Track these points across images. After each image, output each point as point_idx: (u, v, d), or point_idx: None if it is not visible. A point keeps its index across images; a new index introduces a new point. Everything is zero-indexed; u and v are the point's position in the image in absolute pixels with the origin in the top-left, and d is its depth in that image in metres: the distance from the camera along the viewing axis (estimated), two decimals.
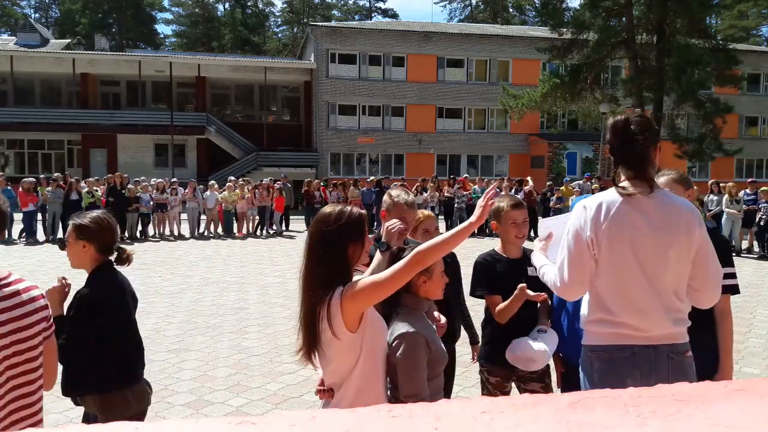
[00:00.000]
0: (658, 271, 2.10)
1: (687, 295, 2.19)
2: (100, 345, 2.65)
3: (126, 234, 15.22)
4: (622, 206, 2.12)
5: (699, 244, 2.14)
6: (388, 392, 2.32)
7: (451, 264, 3.16)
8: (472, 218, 2.02)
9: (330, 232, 2.03)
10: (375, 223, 16.80)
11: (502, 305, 3.00)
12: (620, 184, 2.17)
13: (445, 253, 2.02)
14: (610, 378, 2.08)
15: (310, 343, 2.05)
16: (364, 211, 2.19)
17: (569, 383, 2.98)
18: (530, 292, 2.88)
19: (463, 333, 3.48)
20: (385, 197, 2.99)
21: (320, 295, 1.99)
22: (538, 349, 2.89)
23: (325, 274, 2.01)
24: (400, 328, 2.20)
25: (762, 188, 13.19)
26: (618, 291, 2.12)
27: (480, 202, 2.09)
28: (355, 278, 2.08)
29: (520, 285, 2.91)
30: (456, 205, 16.85)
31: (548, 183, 17.66)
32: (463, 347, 3.43)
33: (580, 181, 17.52)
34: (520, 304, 2.93)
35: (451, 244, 1.97)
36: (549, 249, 2.66)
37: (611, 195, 2.16)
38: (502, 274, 3.08)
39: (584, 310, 2.25)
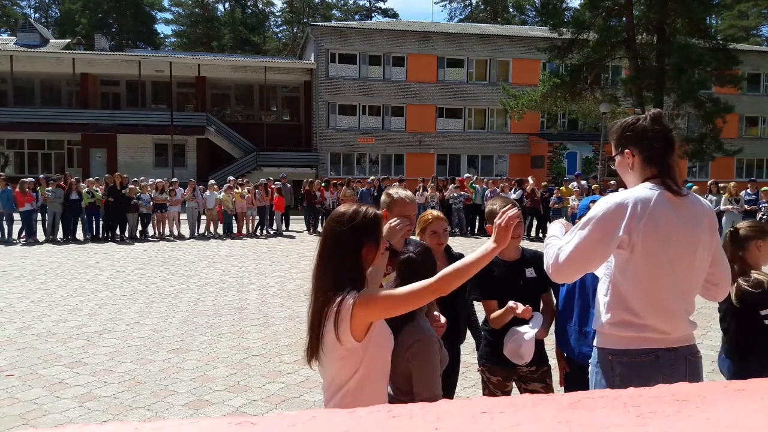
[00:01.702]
0: (685, 271, 2.10)
1: (703, 292, 2.21)
2: None
3: (126, 234, 15.23)
4: (659, 204, 2.06)
5: (716, 242, 2.19)
6: (390, 392, 2.32)
7: None
8: (491, 243, 1.94)
9: (344, 232, 1.96)
10: None
11: (495, 314, 2.99)
12: (652, 183, 2.12)
13: (469, 277, 1.95)
14: (633, 382, 2.04)
15: (314, 345, 1.98)
16: (380, 212, 2.12)
17: (573, 384, 2.96)
18: (519, 309, 2.85)
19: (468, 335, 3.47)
20: (384, 197, 2.93)
21: (330, 296, 1.92)
22: (523, 331, 2.89)
23: (337, 274, 1.93)
24: (413, 331, 2.18)
25: (763, 188, 13.19)
26: (646, 292, 2.09)
27: (498, 221, 1.97)
28: (371, 286, 2.02)
29: (509, 304, 2.90)
30: (453, 205, 16.81)
31: (543, 183, 17.65)
32: (463, 347, 3.43)
33: (584, 182, 17.53)
34: (510, 317, 2.92)
35: (474, 269, 1.92)
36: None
37: (644, 192, 2.08)
38: (500, 277, 3.06)
39: (602, 311, 2.20)
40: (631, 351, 2.12)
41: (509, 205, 2.13)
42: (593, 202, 2.93)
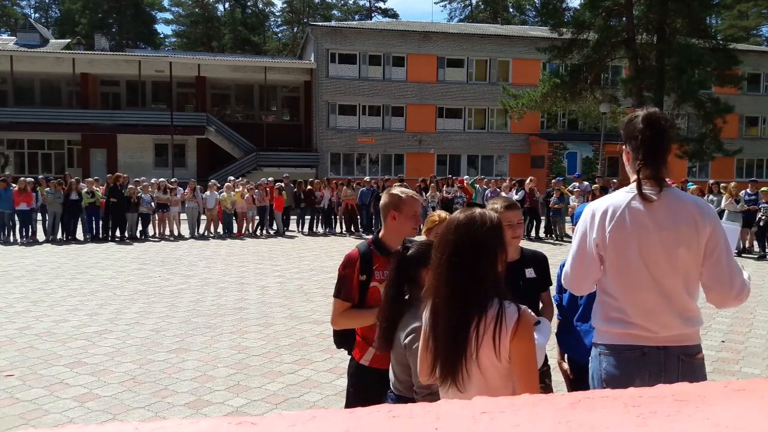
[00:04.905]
0: (667, 271, 2.09)
1: (706, 295, 2.16)
2: None
3: (126, 234, 15.22)
4: (629, 208, 2.11)
5: (709, 239, 2.07)
6: (393, 387, 2.35)
7: None
8: None
9: (483, 236, 1.78)
10: (374, 223, 16.80)
11: None
12: (631, 186, 2.16)
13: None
14: (619, 378, 2.08)
15: (459, 364, 1.75)
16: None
17: (579, 389, 2.95)
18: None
19: None
20: (387, 198, 2.84)
21: (476, 310, 1.74)
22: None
23: (482, 283, 1.76)
24: (414, 321, 2.21)
25: (762, 188, 13.17)
26: (626, 292, 2.12)
27: None
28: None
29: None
30: (454, 206, 16.80)
31: (553, 182, 17.66)
32: None
33: (586, 183, 17.52)
34: None
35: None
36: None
37: (619, 197, 2.16)
38: None
39: (596, 308, 2.25)
40: (618, 347, 2.15)
41: None
42: None
